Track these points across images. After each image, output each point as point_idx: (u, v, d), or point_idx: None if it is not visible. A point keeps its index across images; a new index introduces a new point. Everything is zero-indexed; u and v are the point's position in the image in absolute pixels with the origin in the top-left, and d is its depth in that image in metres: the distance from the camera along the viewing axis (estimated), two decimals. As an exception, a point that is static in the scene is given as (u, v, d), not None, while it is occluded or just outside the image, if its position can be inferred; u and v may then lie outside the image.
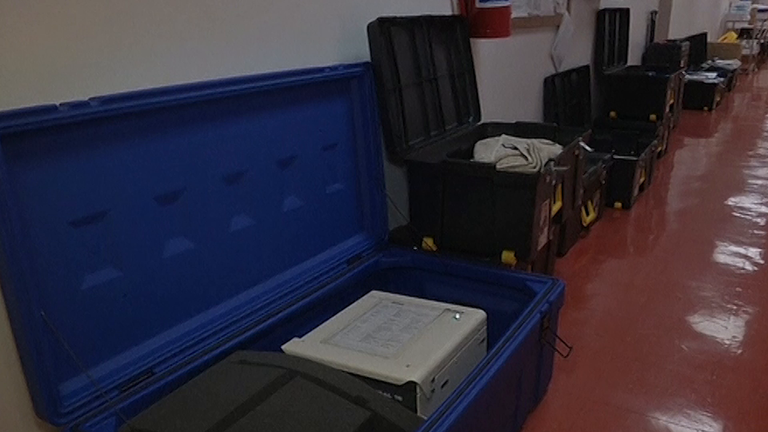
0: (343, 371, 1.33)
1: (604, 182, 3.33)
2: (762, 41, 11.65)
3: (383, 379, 1.35)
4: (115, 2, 1.29)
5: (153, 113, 1.34)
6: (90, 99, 1.20)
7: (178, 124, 1.39)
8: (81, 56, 1.25)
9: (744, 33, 11.10)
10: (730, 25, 11.44)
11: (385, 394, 1.36)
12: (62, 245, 1.21)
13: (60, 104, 1.15)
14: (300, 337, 1.55)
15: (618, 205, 3.60)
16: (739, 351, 2.14)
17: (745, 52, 9.80)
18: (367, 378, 1.36)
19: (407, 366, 1.37)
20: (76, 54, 1.24)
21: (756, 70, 10.93)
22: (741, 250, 3.02)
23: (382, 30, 1.95)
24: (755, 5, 11.76)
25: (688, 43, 6.28)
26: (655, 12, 6.35)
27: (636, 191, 3.70)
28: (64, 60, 1.22)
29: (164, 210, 1.39)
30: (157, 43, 1.39)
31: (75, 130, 1.20)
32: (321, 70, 1.74)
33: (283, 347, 1.50)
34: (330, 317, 1.66)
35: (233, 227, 1.56)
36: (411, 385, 1.33)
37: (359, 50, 2.02)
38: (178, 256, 1.43)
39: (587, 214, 3.14)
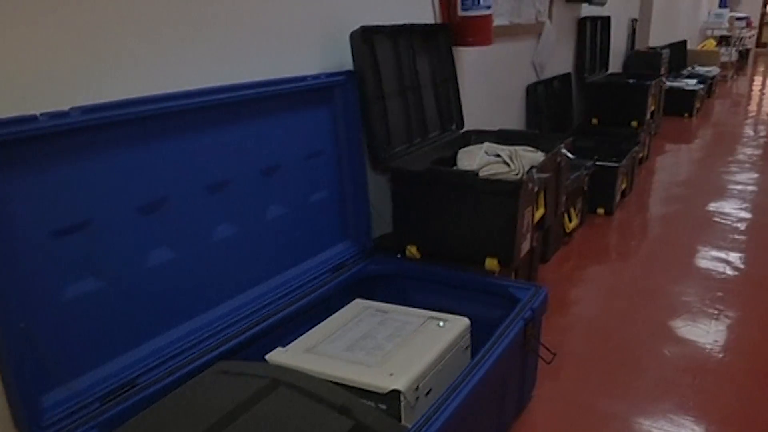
0: (327, 380, 1.32)
1: (586, 188, 3.35)
2: (740, 48, 11.80)
3: (367, 388, 1.35)
4: (96, 12, 1.29)
5: (135, 122, 1.33)
6: (71, 109, 1.20)
7: (161, 133, 1.39)
8: (62, 66, 1.24)
9: (723, 40, 11.25)
10: (709, 32, 11.58)
11: (369, 402, 1.35)
12: (44, 255, 1.20)
13: (40, 114, 1.15)
14: (284, 346, 1.55)
15: (600, 211, 3.63)
16: (721, 355, 2.16)
17: (724, 59, 9.93)
18: (351, 387, 1.36)
19: (391, 374, 1.37)
20: (56, 63, 1.23)
21: (735, 76, 11.07)
22: (722, 254, 3.05)
23: (365, 39, 1.96)
24: (733, 13, 11.92)
25: (668, 50, 6.35)
26: (636, 20, 6.42)
27: (618, 197, 3.72)
28: (45, 70, 1.21)
29: (147, 220, 1.38)
30: (138, 52, 1.39)
31: (56, 139, 1.20)
32: (303, 78, 1.74)
33: (266, 357, 1.49)
34: (314, 326, 1.65)
35: (216, 236, 1.56)
36: (395, 394, 1.33)
37: (342, 59, 2.02)
38: (160, 266, 1.42)
39: (570, 220, 3.16)
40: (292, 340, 1.58)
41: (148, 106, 1.33)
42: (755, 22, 15.89)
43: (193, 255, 1.50)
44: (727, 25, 11.52)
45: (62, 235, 1.23)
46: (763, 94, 9.27)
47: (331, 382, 1.31)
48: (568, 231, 3.16)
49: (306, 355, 1.50)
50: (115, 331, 1.35)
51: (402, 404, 1.33)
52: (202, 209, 1.51)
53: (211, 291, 1.57)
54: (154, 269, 1.41)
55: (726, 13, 11.74)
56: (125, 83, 1.37)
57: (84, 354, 1.29)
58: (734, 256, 3.02)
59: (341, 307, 1.76)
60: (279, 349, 1.53)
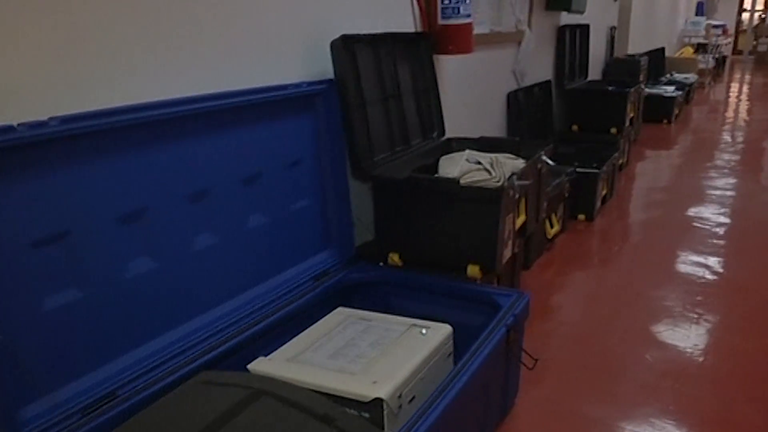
0: (310, 389, 1.32)
1: (567, 195, 3.38)
2: (716, 56, 11.96)
3: (350, 396, 1.35)
4: (75, 23, 1.28)
5: (114, 132, 1.32)
6: (49, 119, 1.19)
7: (141, 142, 1.38)
8: (40, 75, 1.23)
9: (700, 47, 11.41)
10: (686, 40, 11.74)
11: (352, 411, 1.35)
12: (23, 266, 1.19)
13: (18, 124, 1.14)
14: (266, 355, 1.54)
15: (581, 217, 3.66)
16: (701, 359, 2.18)
17: (701, 66, 10.06)
18: (334, 395, 1.36)
19: (374, 382, 1.37)
20: (35, 73, 1.22)
21: (712, 83, 11.21)
22: (701, 259, 3.08)
23: (346, 47, 1.96)
24: (709, 21, 12.09)
25: (646, 57, 6.42)
26: (615, 27, 6.49)
27: (599, 203, 3.75)
28: (23, 79, 1.20)
29: (127, 230, 1.37)
30: (118, 62, 1.38)
31: (34, 150, 1.19)
32: (285, 87, 1.74)
33: (249, 366, 1.49)
34: (297, 335, 1.65)
35: (197, 246, 1.55)
36: (378, 402, 1.33)
37: (323, 67, 2.02)
38: (141, 276, 1.42)
39: (551, 226, 3.18)
40: (275, 350, 1.57)
41: (127, 115, 1.33)
42: (731, 30, 16.13)
43: (174, 265, 1.49)
44: (703, 32, 11.68)
45: (41, 246, 1.22)
46: (739, 100, 9.40)
47: (313, 391, 1.31)
48: (549, 237, 3.18)
49: (289, 364, 1.49)
50: (96, 342, 1.34)
51: (385, 412, 1.33)
52: (182, 219, 1.50)
53: (193, 301, 1.56)
54: (134, 279, 1.40)
55: (703, 21, 11.91)
56: (104, 93, 1.36)
57: (64, 365, 1.28)
58: (713, 261, 3.06)
59: (324, 316, 1.76)
60: (261, 358, 1.52)
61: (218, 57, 1.65)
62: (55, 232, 1.24)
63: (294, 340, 1.62)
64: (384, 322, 1.69)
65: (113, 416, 1.29)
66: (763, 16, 17.00)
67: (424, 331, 1.61)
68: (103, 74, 1.35)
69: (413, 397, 1.43)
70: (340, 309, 1.80)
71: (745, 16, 17.26)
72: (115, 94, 1.39)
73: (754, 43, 16.00)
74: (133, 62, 1.42)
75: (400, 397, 1.38)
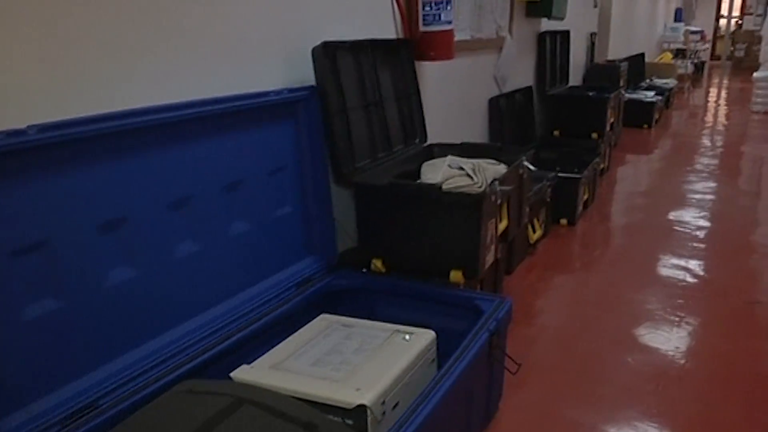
0: (293, 397, 1.31)
1: (549, 200, 3.40)
2: (695, 61, 12.11)
3: (333, 404, 1.35)
4: (55, 30, 1.28)
5: (93, 140, 1.31)
6: (28, 127, 1.18)
7: (121, 150, 1.37)
8: (18, 83, 1.22)
9: (679, 53, 11.54)
10: (665, 45, 11.87)
11: (335, 418, 1.35)
12: (1, 275, 1.18)
13: (-5, 133, 1.13)
14: (249, 363, 1.53)
15: (563, 221, 3.68)
16: (683, 361, 2.20)
17: (680, 71, 10.18)
18: (318, 403, 1.35)
19: (357, 389, 1.36)
20: (13, 81, 1.21)
21: (691, 88, 11.34)
22: (682, 262, 3.11)
23: (327, 54, 1.96)
24: (688, 27, 12.24)
25: (626, 63, 6.48)
26: (595, 33, 6.55)
27: (580, 208, 3.78)
28: (2, 87, 1.19)
29: (107, 238, 1.36)
30: (98, 68, 1.38)
31: (13, 158, 1.18)
32: (266, 94, 1.74)
33: (231, 375, 1.48)
34: (280, 342, 1.64)
35: (179, 254, 1.54)
36: (361, 409, 1.32)
37: (305, 74, 2.02)
38: (121, 285, 1.40)
39: (534, 231, 3.19)
40: (258, 357, 1.57)
41: (107, 123, 1.32)
42: (709, 36, 16.34)
43: (155, 273, 1.48)
44: (682, 38, 11.82)
45: (20, 255, 1.20)
46: (718, 105, 9.51)
47: (297, 398, 1.30)
48: (532, 242, 3.20)
49: (271, 371, 1.48)
50: (76, 352, 1.32)
51: (369, 419, 1.33)
52: (163, 226, 1.49)
53: (174, 309, 1.55)
54: (115, 288, 1.39)
55: (681, 27, 12.05)
56: (84, 100, 1.35)
57: (43, 376, 1.27)
58: (694, 264, 3.09)
59: (307, 323, 1.75)
60: (244, 366, 1.51)
61: (199, 64, 1.64)
62: (35, 240, 1.23)
63: (277, 347, 1.61)
64: (367, 328, 1.69)
65: (94, 427, 1.27)
66: (740, 22, 17.25)
67: (407, 337, 1.61)
68: (83, 82, 1.34)
69: (397, 404, 1.43)
70: (323, 316, 1.79)
71: (723, 22, 17.50)
72: (95, 102, 1.38)
73: (732, 48, 16.21)
74: (115, 70, 1.41)
75: (383, 403, 1.37)
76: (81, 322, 1.33)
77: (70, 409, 1.28)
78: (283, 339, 1.66)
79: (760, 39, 11.30)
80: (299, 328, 1.72)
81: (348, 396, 1.34)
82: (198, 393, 1.29)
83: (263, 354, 1.58)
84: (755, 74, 8.67)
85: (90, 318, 1.35)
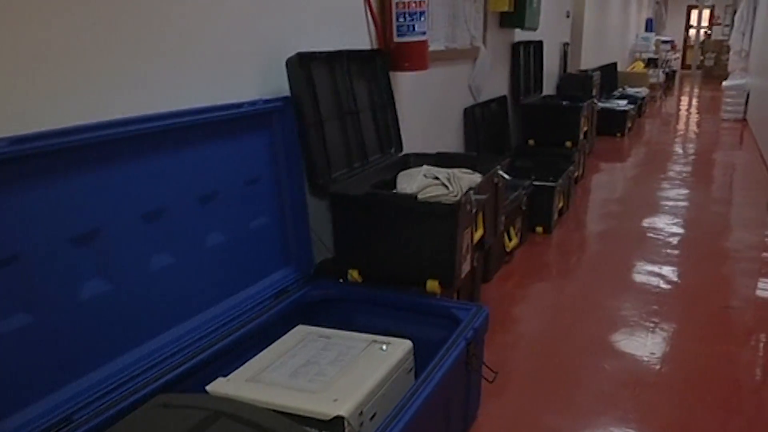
0: (270, 409, 1.31)
1: (525, 208, 3.42)
2: (666, 70, 12.31)
3: (311, 415, 1.34)
4: (26, 41, 1.26)
5: (66, 152, 1.30)
6: (-3, 140, 1.16)
7: (93, 162, 1.36)
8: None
9: (651, 62, 11.72)
10: (637, 54, 12.05)
11: (313, 430, 1.34)
12: (-31, 292, 1.16)
13: (-36, 146, 1.11)
14: (226, 376, 1.52)
15: (539, 229, 3.71)
16: (658, 367, 2.22)
17: (652, 80, 10.34)
18: (295, 415, 1.34)
19: (335, 400, 1.36)
20: (-19, 94, 1.20)
21: (663, 97, 11.52)
22: (656, 269, 3.15)
23: (302, 65, 1.96)
24: (658, 37, 12.45)
25: (599, 72, 6.57)
26: (568, 44, 6.62)
27: (556, 216, 3.81)
28: (-31, 100, 1.18)
29: (80, 251, 1.35)
30: (72, 80, 1.36)
31: (-19, 172, 1.16)
32: (240, 105, 1.73)
33: (207, 388, 1.47)
34: (257, 354, 1.63)
35: (153, 266, 1.53)
36: (339, 420, 1.32)
37: (280, 85, 2.02)
38: (95, 298, 1.39)
39: (510, 239, 3.21)
40: (235, 370, 1.55)
41: (80, 135, 1.30)
42: (679, 45, 16.63)
43: (130, 286, 1.47)
44: (653, 48, 12.03)
45: (-10, 270, 1.19)
46: (689, 113, 9.66)
47: (274, 411, 1.30)
48: (508, 250, 3.22)
49: (248, 384, 1.47)
50: (50, 366, 1.31)
51: (346, 430, 1.32)
52: (138, 238, 1.48)
53: (150, 322, 1.53)
54: (89, 301, 1.37)
55: (652, 36, 12.26)
56: (57, 112, 1.34)
57: (16, 391, 1.24)
58: (667, 270, 3.13)
59: (284, 334, 1.74)
60: (220, 379, 1.50)
61: (173, 75, 1.63)
62: (7, 254, 1.21)
63: (253, 359, 1.60)
64: (344, 339, 1.68)
65: (67, 443, 1.25)
66: (709, 32, 17.59)
67: (384, 347, 1.61)
68: (54, 93, 1.33)
69: (374, 414, 1.43)
70: (300, 327, 1.78)
71: (692, 32, 17.83)
72: (68, 114, 1.36)
73: (702, 57, 16.51)
74: (88, 81, 1.40)
75: (361, 414, 1.37)
76: (54, 336, 1.31)
77: (44, 425, 1.26)
78: (260, 351, 1.65)
79: (728, 48, 11.54)
80: (276, 340, 1.71)
81: (325, 407, 1.34)
82: (174, 407, 1.28)
83: (240, 366, 1.57)
84: (724, 83, 8.84)
85: (63, 332, 1.33)
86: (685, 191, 4.70)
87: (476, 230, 2.20)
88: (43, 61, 1.31)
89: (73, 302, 1.35)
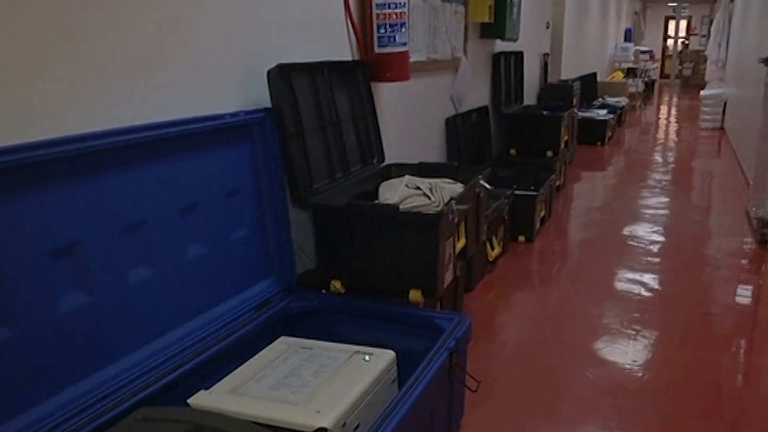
0: (253, 422, 1.30)
1: (507, 217, 3.44)
2: (645, 80, 12.46)
3: (294, 427, 1.33)
4: (4, 52, 1.25)
5: (45, 164, 1.29)
6: (-26, 153, 1.15)
7: (73, 174, 1.35)
8: (-37, 109, 1.20)
9: (630, 72, 11.86)
10: (616, 64, 12.19)
11: (296, 442, 1.33)
12: (-55, 307, 1.14)
13: (-60, 159, 1.10)
14: (207, 389, 1.51)
15: (522, 238, 3.73)
16: (640, 374, 2.24)
17: (632, 89, 10.45)
18: (278, 427, 1.34)
19: (318, 412, 1.35)
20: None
21: (642, 106, 11.65)
22: (637, 276, 3.17)
23: (283, 76, 1.97)
24: (637, 47, 12.61)
25: (579, 82, 6.64)
26: (548, 54, 6.69)
27: (538, 224, 3.83)
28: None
29: (58, 264, 1.33)
30: (51, 92, 1.35)
31: (-42, 185, 1.15)
32: (221, 116, 1.73)
33: (189, 401, 1.45)
34: (239, 366, 1.62)
35: (133, 278, 1.52)
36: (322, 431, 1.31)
37: (260, 96, 2.02)
38: (74, 312, 1.37)
39: (492, 248, 3.22)
40: (217, 382, 1.54)
41: (58, 147, 1.29)
42: (658, 55, 16.84)
43: (109, 299, 1.46)
44: (632, 58, 12.17)
45: (-34, 285, 1.17)
46: (669, 122, 9.78)
47: (256, 423, 1.29)
48: (491, 259, 3.23)
49: (230, 396, 1.46)
50: (28, 381, 1.29)
51: (329, 441, 1.32)
52: (117, 251, 1.47)
53: (131, 335, 1.52)
54: (67, 315, 1.36)
55: (631, 46, 12.42)
56: (36, 124, 1.33)
57: (-8, 409, 1.23)
58: (648, 278, 3.15)
59: (266, 346, 1.73)
60: (202, 392, 1.49)
61: (153, 86, 1.63)
62: (-18, 269, 1.20)
63: (236, 371, 1.59)
64: (327, 350, 1.68)
65: (46, 459, 1.24)
66: (687, 42, 17.84)
67: (367, 357, 1.61)
68: (34, 105, 1.32)
69: (357, 425, 1.42)
70: (282, 338, 1.78)
71: (670, 42, 18.07)
72: (47, 126, 1.35)
73: (680, 67, 16.74)
74: (67, 92, 1.39)
75: (344, 425, 1.37)
76: (33, 350, 1.29)
77: (22, 441, 1.25)
78: (242, 363, 1.64)
79: (705, 58, 11.70)
80: (258, 352, 1.70)
81: (308, 419, 1.33)
82: (155, 420, 1.27)
83: (222, 379, 1.56)
84: (702, 92, 8.96)
85: (42, 346, 1.31)
86: (664, 199, 4.75)
87: (458, 240, 2.21)
88: (21, 74, 1.30)
89: (52, 316, 1.33)
